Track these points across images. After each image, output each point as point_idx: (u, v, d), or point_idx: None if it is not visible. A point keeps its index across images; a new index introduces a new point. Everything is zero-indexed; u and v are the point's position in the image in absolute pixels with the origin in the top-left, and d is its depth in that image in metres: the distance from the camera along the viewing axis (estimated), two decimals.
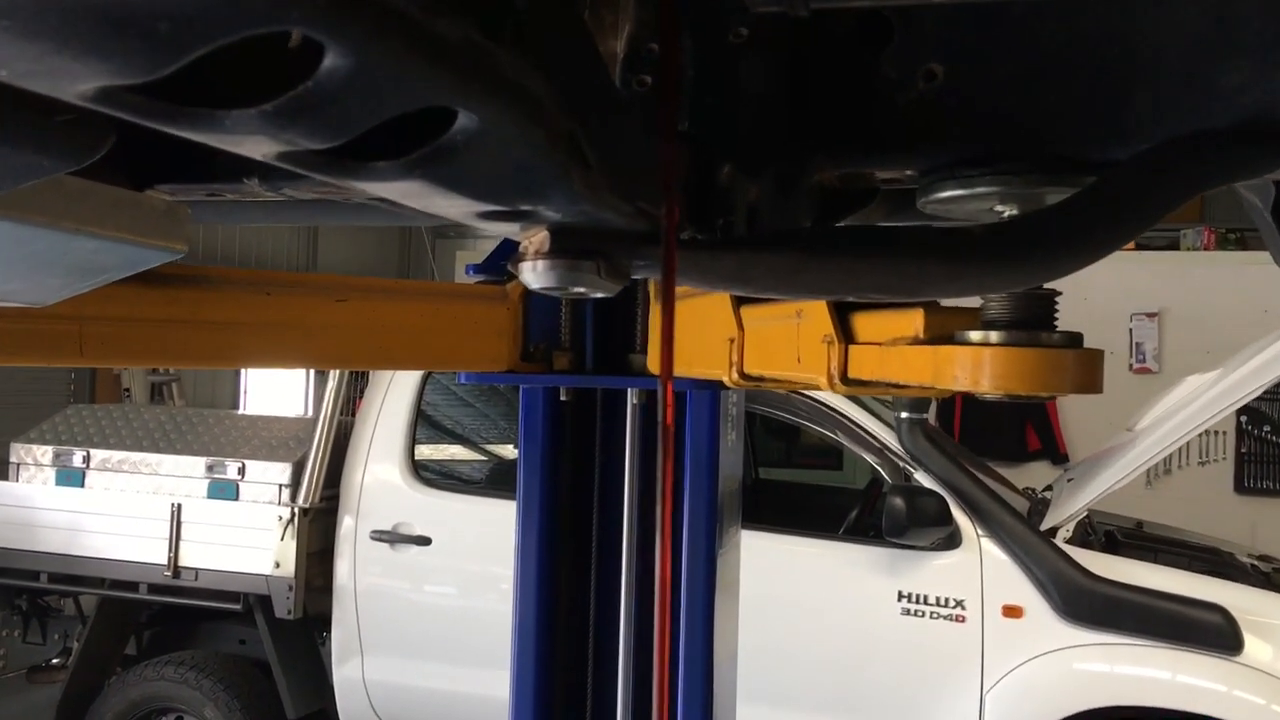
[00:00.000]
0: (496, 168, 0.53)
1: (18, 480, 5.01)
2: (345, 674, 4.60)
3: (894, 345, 1.13)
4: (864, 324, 1.22)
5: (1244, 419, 7.35)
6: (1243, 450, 7.45)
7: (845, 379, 1.22)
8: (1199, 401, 3.80)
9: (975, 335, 0.96)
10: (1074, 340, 0.94)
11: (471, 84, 0.45)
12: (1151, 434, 3.93)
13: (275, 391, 10.69)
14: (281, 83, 0.40)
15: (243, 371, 10.43)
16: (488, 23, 0.47)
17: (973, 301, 1.01)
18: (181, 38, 0.33)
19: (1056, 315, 0.95)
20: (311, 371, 9.66)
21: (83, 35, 0.31)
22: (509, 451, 4.97)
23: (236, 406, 10.27)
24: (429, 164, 0.50)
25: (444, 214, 0.61)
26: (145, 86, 0.37)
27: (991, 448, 6.70)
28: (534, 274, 0.67)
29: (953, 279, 0.74)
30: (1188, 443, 4.78)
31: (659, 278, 0.70)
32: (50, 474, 4.95)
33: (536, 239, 0.66)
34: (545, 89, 0.51)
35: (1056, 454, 7.65)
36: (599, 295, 0.70)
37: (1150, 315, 7.59)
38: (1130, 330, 7.56)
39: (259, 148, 0.45)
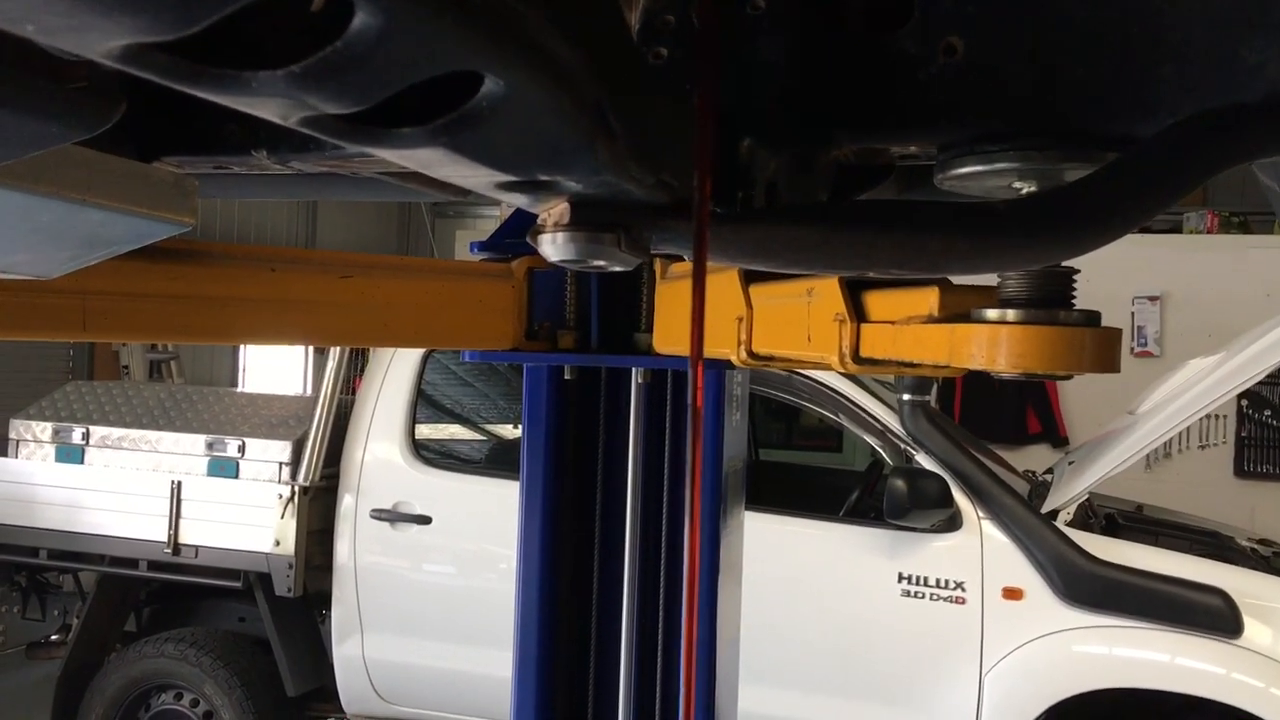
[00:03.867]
0: (521, 136, 0.52)
1: (17, 457, 5.01)
2: (345, 652, 4.61)
3: (908, 324, 1.12)
4: (876, 302, 1.21)
5: (1244, 403, 7.35)
6: (1243, 434, 7.46)
7: (857, 358, 1.21)
8: (1201, 385, 3.80)
9: (992, 313, 0.95)
10: (1092, 319, 0.93)
11: (501, 47, 0.44)
12: (1153, 418, 3.93)
13: (274, 370, 10.68)
14: (309, 45, 0.39)
15: (241, 349, 10.42)
16: None
17: (984, 280, 1.00)
18: None
19: (1075, 293, 0.94)
20: (310, 350, 9.64)
21: None
22: (509, 431, 4.97)
23: (235, 384, 10.26)
24: (453, 131, 0.49)
25: (464, 184, 0.60)
26: (172, 45, 0.36)
27: (991, 430, 6.70)
28: (553, 246, 0.66)
29: (976, 254, 0.73)
30: (1188, 426, 4.78)
31: (681, 250, 0.69)
32: (50, 450, 4.95)
33: (556, 211, 0.65)
34: (572, 55, 0.50)
35: (1056, 437, 7.65)
36: (618, 269, 0.69)
37: (1152, 299, 7.58)
38: (1132, 314, 7.55)
39: (283, 111, 0.44)
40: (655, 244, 0.69)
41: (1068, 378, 0.93)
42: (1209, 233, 8.41)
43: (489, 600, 4.30)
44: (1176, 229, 8.43)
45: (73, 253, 1.04)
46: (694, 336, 0.53)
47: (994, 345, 0.94)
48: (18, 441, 5.02)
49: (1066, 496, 4.00)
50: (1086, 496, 4.16)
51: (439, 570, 4.61)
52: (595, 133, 0.54)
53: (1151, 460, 7.11)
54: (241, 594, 4.81)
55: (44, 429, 4.97)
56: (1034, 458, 6.72)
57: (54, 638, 5.23)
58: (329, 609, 4.67)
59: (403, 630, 4.55)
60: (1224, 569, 3.87)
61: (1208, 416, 6.74)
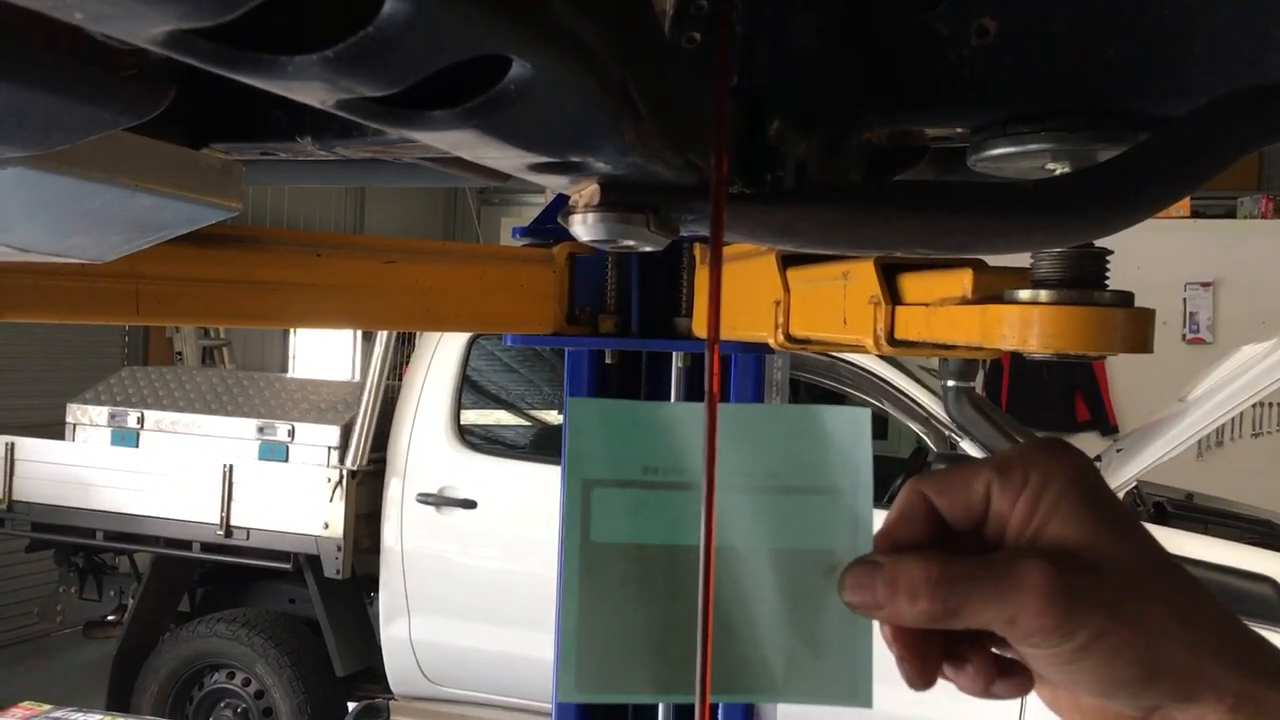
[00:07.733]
0: (548, 117, 0.54)
1: (74, 440, 5.13)
2: (392, 633, 4.68)
3: (941, 305, 1.13)
4: (911, 285, 1.22)
5: None
6: None
7: (892, 339, 1.22)
8: (1253, 372, 3.75)
9: (1025, 294, 0.95)
10: (1125, 299, 0.93)
11: (527, 31, 0.46)
12: (1204, 404, 3.89)
13: (323, 356, 10.80)
14: (342, 29, 0.41)
15: (291, 335, 10.56)
16: None
17: (1019, 261, 1.01)
18: None
19: (1108, 274, 0.94)
20: (358, 336, 9.75)
21: None
22: (553, 417, 5.01)
23: (285, 370, 10.40)
24: (483, 113, 0.50)
25: (497, 166, 0.62)
26: (213, 31, 0.38)
27: (1039, 418, 6.64)
28: (584, 226, 0.67)
29: (1004, 234, 0.74)
30: (1240, 414, 4.72)
31: (709, 231, 0.70)
32: (105, 434, 5.06)
33: (587, 192, 0.67)
34: (596, 37, 0.51)
35: (1106, 425, 7.56)
36: (648, 249, 0.71)
37: (1205, 285, 7.46)
38: (1184, 300, 7.44)
39: (318, 95, 0.46)
40: (685, 224, 0.71)
41: (1100, 358, 0.93)
42: (1263, 218, 8.25)
43: (533, 584, 4.34)
44: (1230, 214, 8.29)
45: (125, 237, 1.07)
46: (711, 316, 0.55)
47: (1026, 326, 0.94)
48: (75, 425, 5.14)
49: (1115, 484, 3.96)
50: (1135, 484, 4.12)
51: (484, 554, 4.66)
52: (621, 113, 0.55)
53: (1203, 448, 7.01)
54: (292, 576, 4.90)
55: (100, 413, 5.09)
56: (1082, 445, 6.60)
57: (110, 617, 5.36)
58: (377, 591, 4.74)
59: (449, 613, 4.61)
60: (1275, 558, 3.82)
61: (1260, 404, 6.63)
